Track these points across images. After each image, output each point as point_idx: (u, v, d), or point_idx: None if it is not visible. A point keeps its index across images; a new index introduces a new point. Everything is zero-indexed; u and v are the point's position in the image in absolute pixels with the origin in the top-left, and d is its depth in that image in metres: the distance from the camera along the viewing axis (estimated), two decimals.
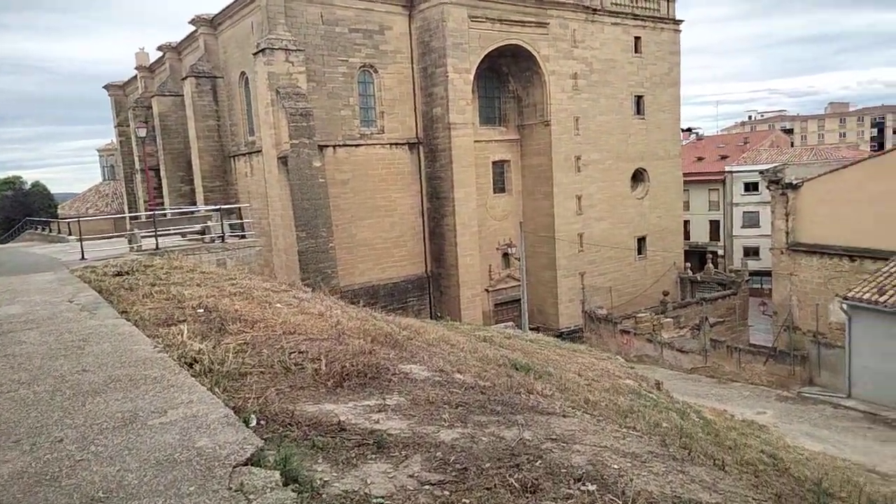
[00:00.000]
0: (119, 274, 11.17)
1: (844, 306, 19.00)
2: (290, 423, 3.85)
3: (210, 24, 37.04)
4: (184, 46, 41.30)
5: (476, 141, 36.03)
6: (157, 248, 15.24)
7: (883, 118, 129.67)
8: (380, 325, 9.01)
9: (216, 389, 4.44)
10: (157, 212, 20.57)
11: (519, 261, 35.24)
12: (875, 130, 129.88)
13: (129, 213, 50.15)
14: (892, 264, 19.25)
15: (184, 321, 7.21)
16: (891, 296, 17.64)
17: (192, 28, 38.22)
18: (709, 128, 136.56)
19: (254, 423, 3.78)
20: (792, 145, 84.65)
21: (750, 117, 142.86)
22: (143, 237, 15.75)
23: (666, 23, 42.93)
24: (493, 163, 38.53)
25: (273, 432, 3.74)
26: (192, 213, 21.12)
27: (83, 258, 14.10)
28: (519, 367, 9.34)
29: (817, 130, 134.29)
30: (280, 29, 30.72)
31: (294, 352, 6.00)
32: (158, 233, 15.75)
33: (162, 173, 41.96)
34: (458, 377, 5.98)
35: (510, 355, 11.21)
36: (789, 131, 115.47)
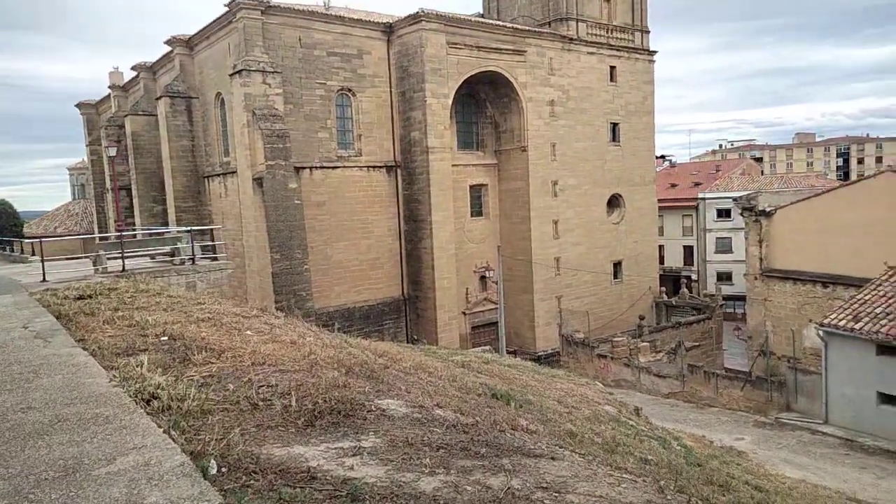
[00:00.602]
0: (81, 297, 10.65)
1: (821, 332, 19.05)
2: (254, 471, 3.48)
3: (186, 44, 36.66)
4: (159, 66, 40.79)
5: (454, 165, 35.99)
6: (123, 270, 14.69)
7: (848, 149, 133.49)
8: (355, 353, 8.64)
9: (174, 431, 4.05)
10: (124, 232, 19.93)
11: (496, 284, 35.05)
12: (840, 160, 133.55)
13: (99, 233, 49.06)
14: (865, 291, 19.41)
15: (145, 350, 6.78)
16: (865, 323, 17.73)
17: (168, 48, 37.78)
18: (681, 155, 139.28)
19: (214, 470, 3.41)
20: (762, 173, 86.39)
21: (721, 146, 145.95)
22: (109, 259, 15.18)
23: (640, 53, 43.65)
24: (471, 186, 38.49)
25: (235, 481, 3.37)
26: (163, 234, 20.52)
27: (44, 280, 13.50)
28: (499, 396, 9.04)
29: (785, 159, 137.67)
30: (257, 51, 30.48)
31: (263, 385, 5.62)
32: (126, 254, 15.19)
33: (134, 193, 41.11)
34: (438, 413, 5.65)
35: (489, 382, 10.90)
36: (759, 160, 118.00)
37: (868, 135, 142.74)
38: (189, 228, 17.30)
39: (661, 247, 54.35)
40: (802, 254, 28.64)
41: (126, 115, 41.40)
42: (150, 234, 22.37)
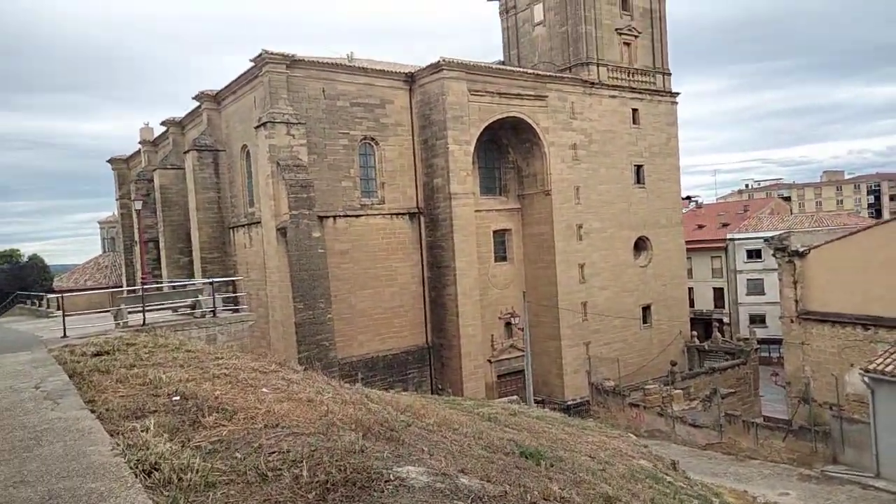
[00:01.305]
0: (98, 354, 10.45)
1: (866, 379, 18.06)
2: None
3: (214, 99, 37.60)
4: (187, 121, 41.86)
5: (477, 210, 35.87)
6: (144, 323, 14.55)
7: (879, 185, 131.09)
8: (375, 410, 8.22)
9: None
10: (145, 286, 19.94)
11: (522, 331, 34.35)
12: (872, 197, 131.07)
13: (127, 285, 49.67)
14: None
15: (155, 412, 6.46)
16: None
17: (196, 104, 38.79)
18: (707, 196, 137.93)
19: None
20: (791, 213, 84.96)
21: (747, 185, 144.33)
22: (130, 312, 15.08)
23: (662, 95, 43.64)
24: (495, 232, 38.25)
25: None
26: (185, 286, 20.51)
27: (65, 335, 13.39)
28: (528, 455, 8.53)
29: (814, 198, 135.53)
30: (282, 103, 31.05)
31: (274, 451, 5.23)
32: (147, 308, 15.09)
33: (161, 245, 41.71)
34: (462, 481, 5.19)
35: (517, 438, 10.36)
36: (787, 199, 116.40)
37: None
38: (211, 280, 17.21)
39: (690, 289, 53.22)
40: (840, 295, 27.63)
41: (155, 169, 42.34)
42: (173, 287, 22.38)
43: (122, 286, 50.52)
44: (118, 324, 14.73)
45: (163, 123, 43.80)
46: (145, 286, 19.71)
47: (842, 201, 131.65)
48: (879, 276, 25.83)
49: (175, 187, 40.84)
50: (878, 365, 17.72)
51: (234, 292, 19.29)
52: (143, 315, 14.79)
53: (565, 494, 6.06)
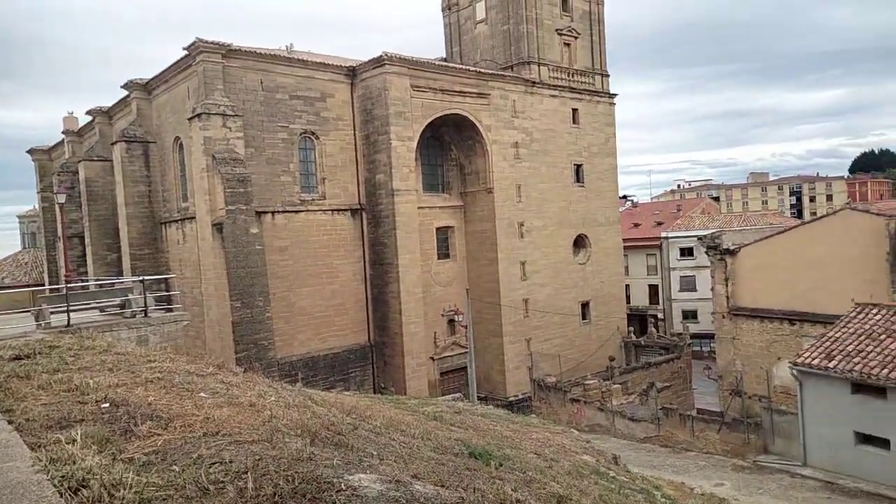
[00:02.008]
0: (17, 358, 9.65)
1: (795, 372, 18.88)
2: None
3: (144, 88, 35.94)
4: (115, 111, 39.87)
5: (420, 207, 35.65)
6: (68, 324, 13.64)
7: (800, 187, 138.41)
8: (320, 414, 7.91)
9: None
10: (69, 284, 18.78)
11: (466, 328, 34.39)
12: (794, 199, 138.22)
13: (50, 283, 46.98)
14: (836, 329, 19.40)
15: (82, 421, 5.96)
16: (839, 361, 17.61)
17: (125, 93, 36.97)
18: (642, 195, 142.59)
19: None
20: (721, 212, 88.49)
21: (679, 186, 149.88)
22: (53, 313, 14.11)
23: (601, 96, 44.52)
24: (437, 229, 38.13)
25: None
26: (113, 284, 19.43)
27: None
28: (477, 455, 8.45)
29: (741, 198, 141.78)
30: (217, 94, 29.95)
31: (215, 462, 4.88)
32: (72, 307, 14.15)
33: (87, 241, 39.57)
34: (417, 488, 4.97)
35: (465, 437, 10.27)
36: (716, 199, 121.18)
37: (818, 174, 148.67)
38: (142, 278, 16.33)
39: (626, 286, 54.66)
40: (768, 291, 28.86)
41: (80, 161, 40.14)
42: (101, 285, 21.19)
43: (44, 284, 47.75)
44: (40, 325, 13.76)
45: (88, 113, 41.55)
46: (70, 284, 18.54)
47: (767, 202, 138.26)
48: (805, 273, 27.12)
49: (102, 180, 38.82)
50: (806, 358, 18.54)
51: (167, 291, 18.39)
52: (68, 315, 13.86)
53: (519, 496, 5.94)
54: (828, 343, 18.56)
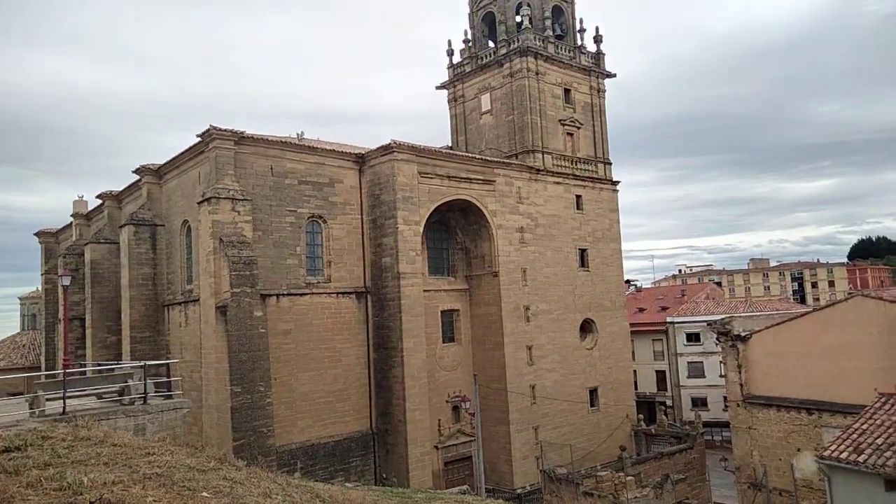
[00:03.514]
0: (7, 450, 9.11)
1: (823, 466, 17.95)
2: None
3: (155, 173, 36.60)
4: (125, 195, 40.46)
5: (425, 290, 35.41)
6: (63, 412, 13.06)
7: (801, 273, 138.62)
8: None
9: None
10: (67, 369, 18.23)
11: (472, 415, 33.32)
12: (795, 284, 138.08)
13: (48, 366, 46.12)
14: (862, 420, 18.62)
15: None
16: (869, 455, 16.78)
17: (136, 178, 37.62)
18: (645, 280, 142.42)
19: None
20: (726, 297, 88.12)
21: (680, 270, 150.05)
22: (48, 399, 13.56)
23: (604, 183, 45.22)
24: (443, 312, 37.72)
25: None
26: (113, 369, 18.88)
27: None
28: None
29: (743, 283, 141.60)
30: (228, 179, 30.39)
31: None
32: (68, 394, 13.61)
33: (87, 322, 39.10)
34: None
35: None
36: (718, 284, 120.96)
37: (819, 260, 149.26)
38: (142, 363, 15.84)
39: (633, 372, 53.53)
40: (783, 379, 28.03)
41: (87, 244, 40.31)
42: (99, 371, 20.62)
43: (40, 367, 46.89)
44: (34, 412, 13.18)
45: (99, 197, 42.16)
46: (67, 369, 18.00)
47: (769, 287, 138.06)
48: (819, 361, 26.40)
49: (107, 262, 38.84)
50: (833, 451, 17.68)
51: (168, 376, 17.85)
52: (64, 402, 13.31)
53: None
54: (854, 435, 17.75)
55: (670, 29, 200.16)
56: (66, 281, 24.50)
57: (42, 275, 51.90)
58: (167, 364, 20.22)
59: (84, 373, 22.17)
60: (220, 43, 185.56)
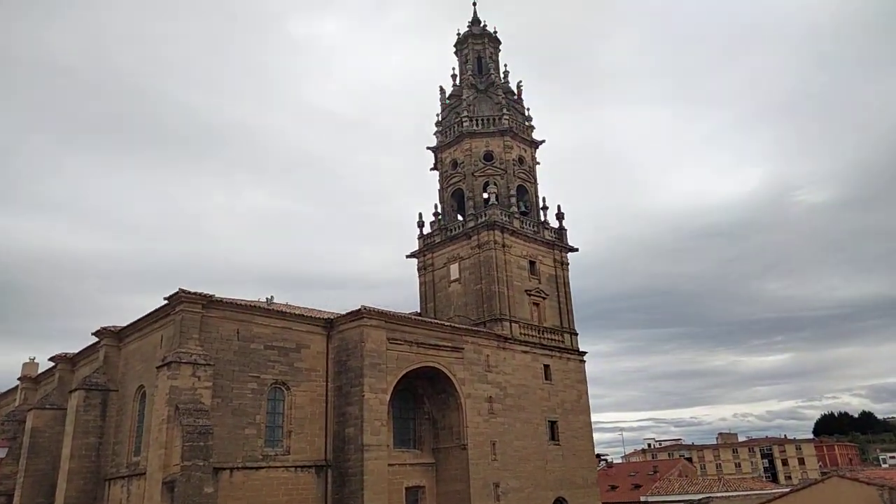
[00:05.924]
0: None
1: None
2: None
3: (116, 335, 35.53)
4: (81, 358, 38.89)
5: (390, 465, 33.49)
6: None
7: (770, 449, 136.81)
8: None
9: None
10: None
11: None
12: (766, 461, 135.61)
13: None
14: None
15: None
16: None
17: (94, 339, 36.44)
18: (615, 453, 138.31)
19: None
20: (698, 475, 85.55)
21: (650, 445, 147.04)
22: None
23: (571, 353, 45.42)
24: (407, 489, 35.43)
25: None
26: None
27: None
28: None
29: (714, 459, 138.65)
30: (192, 343, 29.63)
31: None
32: None
33: (16, 499, 35.41)
34: None
35: None
36: (689, 460, 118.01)
37: (785, 436, 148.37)
38: None
39: None
40: None
41: (31, 409, 37.75)
42: None
43: None
44: None
45: (52, 359, 40.34)
46: None
47: (740, 464, 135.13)
48: None
49: (50, 431, 36.16)
50: None
51: None
52: None
53: None
54: None
55: (623, 212, 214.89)
56: (3, 453, 22.55)
57: None
58: None
59: None
60: (197, 213, 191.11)
